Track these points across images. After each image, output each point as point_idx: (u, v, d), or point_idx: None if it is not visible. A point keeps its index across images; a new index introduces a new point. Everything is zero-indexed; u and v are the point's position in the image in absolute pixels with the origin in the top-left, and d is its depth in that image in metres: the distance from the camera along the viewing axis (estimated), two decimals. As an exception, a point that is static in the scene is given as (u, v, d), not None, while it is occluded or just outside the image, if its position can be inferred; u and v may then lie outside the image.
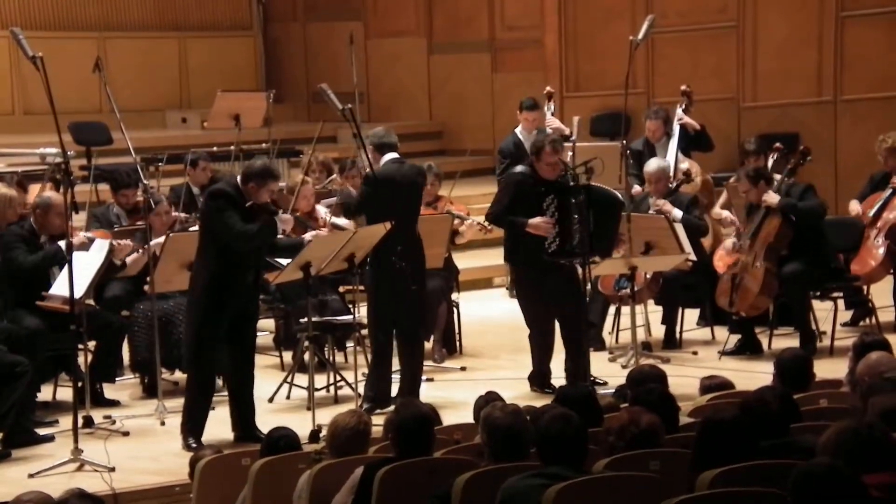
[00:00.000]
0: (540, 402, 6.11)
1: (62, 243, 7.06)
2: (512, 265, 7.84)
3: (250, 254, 6.71)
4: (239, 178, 6.70)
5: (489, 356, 8.57)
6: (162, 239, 7.53)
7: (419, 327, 7.32)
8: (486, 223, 8.72)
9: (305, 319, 7.18)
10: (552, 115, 10.20)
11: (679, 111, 9.52)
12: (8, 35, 7.16)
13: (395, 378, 7.30)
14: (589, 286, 7.89)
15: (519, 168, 7.72)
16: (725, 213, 8.83)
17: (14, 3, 13.55)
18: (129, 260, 7.61)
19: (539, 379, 7.56)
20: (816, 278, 8.22)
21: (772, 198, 8.07)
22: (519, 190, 7.45)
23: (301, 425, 6.07)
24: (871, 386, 4.86)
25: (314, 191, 8.58)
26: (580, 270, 7.37)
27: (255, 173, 6.66)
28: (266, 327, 8.98)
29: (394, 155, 7.18)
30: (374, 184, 7.08)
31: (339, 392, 7.53)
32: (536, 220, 7.33)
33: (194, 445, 6.48)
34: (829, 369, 7.02)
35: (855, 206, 8.74)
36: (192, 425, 6.68)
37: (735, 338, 8.27)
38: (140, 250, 7.51)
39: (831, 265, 8.32)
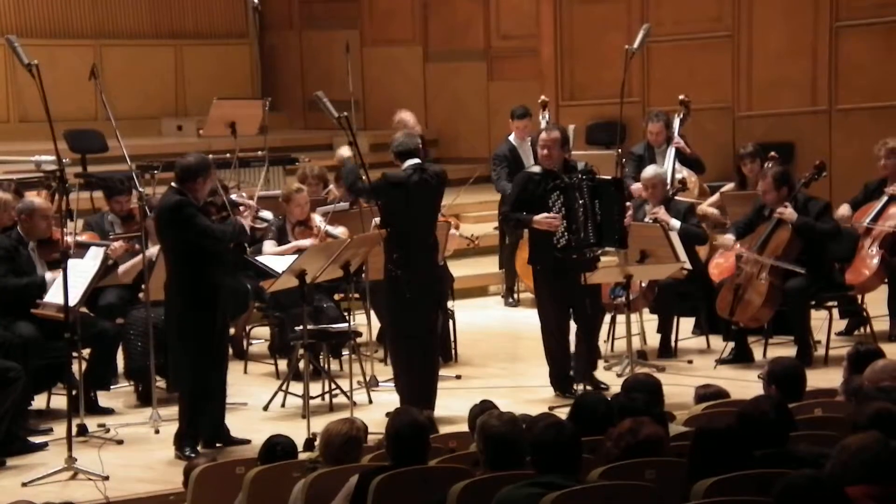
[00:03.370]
0: (537, 410, 6.12)
1: (48, 275, 7.05)
2: (531, 264, 7.91)
3: (224, 256, 6.74)
4: (179, 181, 6.61)
5: (484, 364, 8.55)
6: (156, 249, 7.52)
7: (428, 337, 7.18)
8: (474, 238, 8.78)
9: (300, 327, 7.18)
10: (547, 123, 10.22)
11: (675, 124, 9.54)
12: (4, 43, 7.17)
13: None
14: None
15: (532, 167, 7.80)
16: (711, 210, 8.88)
17: (10, 11, 13.54)
18: (123, 268, 7.60)
19: (561, 383, 7.56)
20: (817, 292, 8.20)
21: (789, 214, 8.02)
22: (524, 188, 7.54)
23: (296, 433, 6.06)
24: (865, 394, 4.88)
25: (308, 199, 8.57)
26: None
27: (198, 168, 6.60)
28: (261, 335, 8.98)
29: (415, 161, 7.08)
30: (383, 187, 7.02)
31: (335, 400, 7.52)
32: (541, 216, 7.38)
33: (191, 455, 6.46)
34: (823, 379, 7.04)
35: (844, 210, 8.74)
36: (191, 434, 6.66)
37: (731, 346, 8.27)
38: (135, 249, 7.49)
39: (835, 279, 8.30)
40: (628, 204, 7.73)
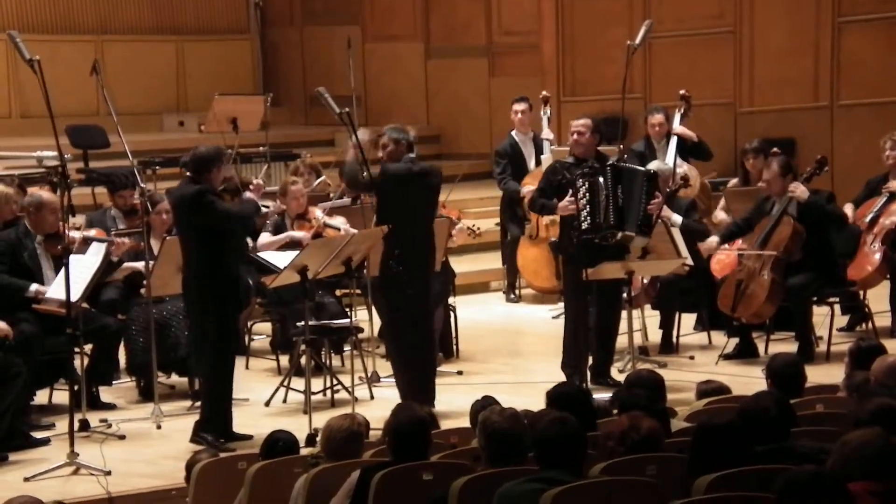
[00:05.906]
0: (539, 405, 6.11)
1: (33, 287, 7.04)
2: (560, 254, 7.92)
3: (240, 247, 6.92)
4: (195, 171, 6.69)
5: (486, 360, 8.56)
6: (156, 246, 7.53)
7: (427, 333, 7.21)
8: (476, 228, 8.78)
9: (302, 323, 7.18)
10: (548, 119, 10.24)
11: (676, 119, 9.52)
12: (5, 38, 7.16)
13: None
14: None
15: (565, 158, 7.94)
16: (723, 216, 8.84)
17: (11, 6, 13.55)
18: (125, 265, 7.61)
19: (578, 375, 7.53)
20: (818, 288, 8.17)
21: (801, 191, 8.00)
22: (552, 177, 7.64)
23: (298, 429, 6.06)
24: (867, 390, 4.89)
25: (305, 192, 8.57)
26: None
27: (213, 158, 6.72)
28: (262, 331, 8.98)
29: (412, 154, 7.12)
30: (385, 182, 7.00)
31: (336, 396, 7.52)
32: (563, 201, 7.45)
33: (216, 442, 6.49)
34: (825, 374, 7.03)
35: (847, 210, 8.73)
36: (217, 422, 6.69)
37: (734, 341, 8.27)
38: (140, 247, 7.51)
39: (837, 275, 8.26)
40: (657, 193, 7.73)
